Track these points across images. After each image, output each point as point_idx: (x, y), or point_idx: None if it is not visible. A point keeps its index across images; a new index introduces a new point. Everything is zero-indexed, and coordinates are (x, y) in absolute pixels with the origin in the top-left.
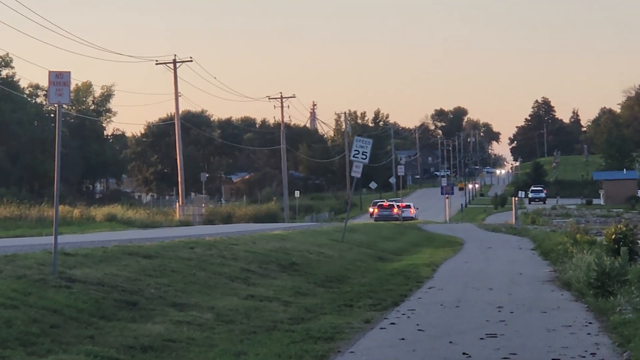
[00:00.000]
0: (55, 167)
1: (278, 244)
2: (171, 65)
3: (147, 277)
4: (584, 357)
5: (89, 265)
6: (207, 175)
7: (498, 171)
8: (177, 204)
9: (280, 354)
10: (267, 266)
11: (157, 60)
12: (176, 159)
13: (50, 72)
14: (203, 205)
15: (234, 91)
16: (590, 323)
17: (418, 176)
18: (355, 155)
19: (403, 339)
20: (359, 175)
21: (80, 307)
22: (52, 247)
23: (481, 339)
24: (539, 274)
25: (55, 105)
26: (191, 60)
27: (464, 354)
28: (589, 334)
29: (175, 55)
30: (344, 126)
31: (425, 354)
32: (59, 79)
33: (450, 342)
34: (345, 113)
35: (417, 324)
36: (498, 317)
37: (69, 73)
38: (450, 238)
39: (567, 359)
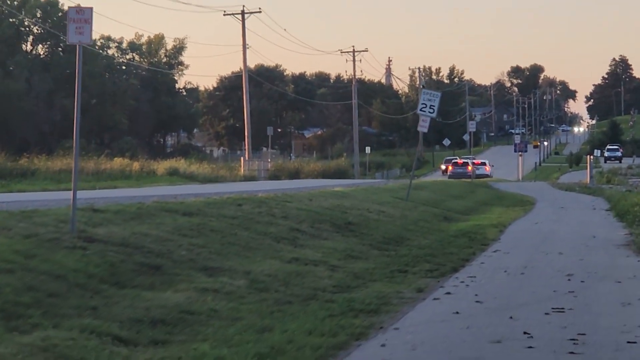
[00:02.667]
0: (75, 113)
1: (336, 201)
2: (239, 17)
3: (181, 237)
4: None
5: (117, 223)
6: (274, 129)
7: (576, 129)
8: (242, 158)
9: (311, 331)
10: (319, 226)
11: (225, 11)
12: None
13: (69, 8)
14: (269, 160)
15: (306, 44)
16: None
17: (493, 134)
18: (423, 109)
19: (457, 312)
20: (425, 130)
21: (90, 272)
22: (89, 201)
23: (546, 314)
24: (613, 237)
25: (76, 44)
26: (260, 11)
27: (525, 333)
28: None
29: (243, 6)
30: (418, 82)
31: (480, 332)
32: (80, 15)
33: (511, 317)
34: (419, 68)
35: (476, 294)
36: (567, 287)
37: (90, 9)
38: (521, 197)
39: None
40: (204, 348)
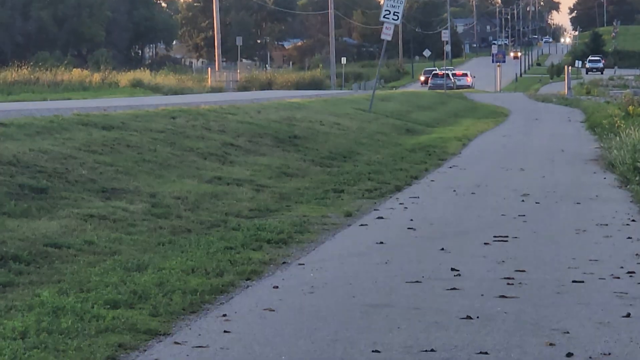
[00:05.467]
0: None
1: (288, 113)
2: None
3: (88, 154)
4: (618, 277)
5: (16, 138)
6: (254, 40)
7: (561, 39)
8: (209, 69)
9: (194, 268)
10: (259, 140)
11: None
12: (227, 24)
13: None
14: (238, 71)
15: None
16: (633, 221)
17: (476, 45)
18: (386, 16)
19: (382, 242)
20: (389, 38)
21: None
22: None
23: (485, 244)
24: (583, 151)
25: None
26: None
27: (452, 269)
28: (629, 238)
29: None
30: None
31: (400, 268)
32: None
33: (442, 248)
34: None
35: (411, 219)
36: (518, 210)
37: None
38: (495, 108)
39: (593, 280)
40: (45, 295)
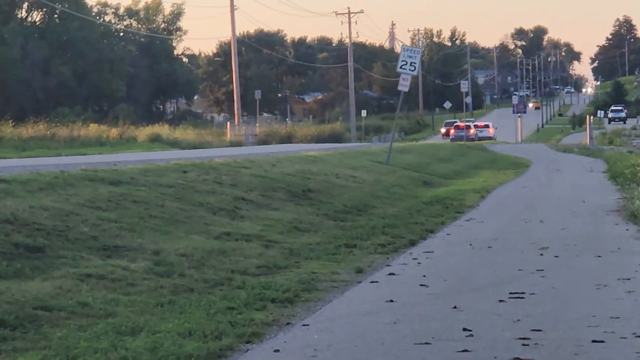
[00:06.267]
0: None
1: (303, 166)
2: None
3: (92, 210)
4: None
5: (17, 194)
6: (274, 94)
7: (583, 90)
8: (228, 123)
9: (191, 331)
10: (272, 194)
11: None
12: (248, 78)
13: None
14: (257, 125)
15: (303, 8)
16: None
17: (497, 96)
18: (403, 67)
19: (392, 300)
20: (406, 89)
21: None
22: (40, 168)
23: (500, 301)
24: (605, 201)
25: None
26: None
27: (464, 329)
28: None
29: None
30: (420, 44)
31: (410, 328)
32: None
33: (455, 307)
34: (418, 30)
35: (424, 275)
36: (536, 264)
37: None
38: (516, 159)
39: (614, 339)
40: None
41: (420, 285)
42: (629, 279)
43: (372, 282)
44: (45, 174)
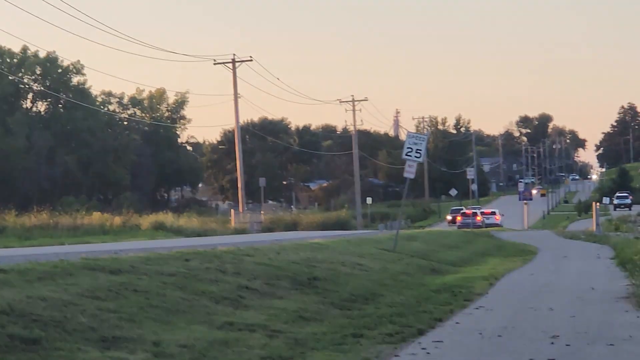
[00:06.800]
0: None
1: (308, 254)
2: (230, 65)
3: (90, 301)
4: None
5: (14, 284)
6: (280, 182)
7: (589, 176)
8: (232, 211)
9: None
10: (276, 282)
11: (215, 60)
12: (253, 165)
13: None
14: (262, 212)
15: (307, 96)
16: None
17: (502, 183)
18: (408, 154)
19: None
20: (412, 176)
21: None
22: (40, 257)
23: None
24: (613, 288)
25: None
26: (251, 60)
27: None
28: None
29: (234, 54)
30: (425, 132)
31: None
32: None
33: None
34: (423, 117)
35: None
36: (547, 354)
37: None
38: (522, 247)
39: None
40: None
41: None
42: None
43: None
44: (44, 263)
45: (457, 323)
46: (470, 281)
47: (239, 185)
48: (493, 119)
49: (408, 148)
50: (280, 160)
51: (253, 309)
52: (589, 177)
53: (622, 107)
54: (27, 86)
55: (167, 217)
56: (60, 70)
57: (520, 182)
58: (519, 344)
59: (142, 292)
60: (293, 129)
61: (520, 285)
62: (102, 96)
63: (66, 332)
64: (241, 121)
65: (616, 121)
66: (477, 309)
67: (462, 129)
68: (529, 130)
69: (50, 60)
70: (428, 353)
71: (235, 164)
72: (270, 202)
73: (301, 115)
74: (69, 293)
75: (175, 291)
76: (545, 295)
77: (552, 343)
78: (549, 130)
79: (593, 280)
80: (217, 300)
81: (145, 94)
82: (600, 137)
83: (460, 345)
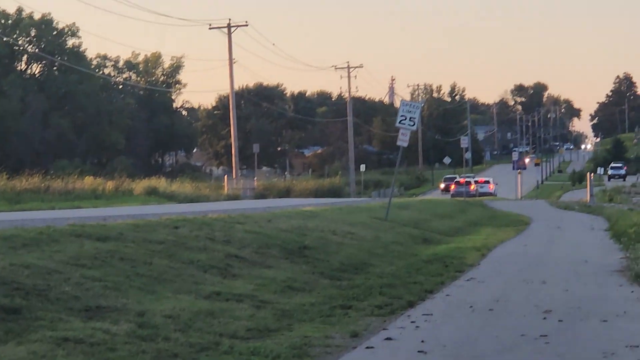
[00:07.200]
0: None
1: (300, 222)
2: (225, 30)
3: (76, 268)
4: None
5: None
6: (274, 148)
7: (583, 146)
8: (226, 177)
9: None
10: (266, 251)
11: (210, 24)
12: (247, 131)
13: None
14: (255, 178)
15: (303, 62)
16: None
17: (497, 152)
18: (402, 121)
19: None
20: (405, 144)
21: None
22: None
23: None
24: (608, 261)
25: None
26: (246, 25)
27: None
28: None
29: (229, 19)
30: (420, 100)
31: None
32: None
33: None
34: (418, 85)
35: (422, 341)
36: (540, 330)
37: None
38: (515, 217)
39: None
40: None
41: (419, 351)
42: (638, 347)
43: (368, 347)
44: (30, 229)
45: (447, 295)
46: (462, 251)
47: (233, 151)
48: (488, 88)
49: (402, 116)
50: (275, 126)
51: (241, 278)
52: (582, 146)
53: (618, 77)
54: (21, 48)
55: (160, 182)
56: (55, 33)
57: (515, 151)
58: (510, 319)
59: (128, 260)
60: (288, 95)
61: (512, 257)
62: (97, 59)
63: (49, 301)
64: (236, 87)
65: (612, 91)
66: (468, 280)
67: (457, 97)
68: (523, 99)
69: (46, 22)
70: (417, 326)
71: (230, 130)
72: (264, 168)
73: (297, 81)
74: (53, 260)
75: (162, 259)
76: (538, 268)
77: (545, 318)
78: (544, 99)
79: (587, 252)
80: (205, 269)
81: (140, 58)
82: (596, 107)
83: (451, 319)
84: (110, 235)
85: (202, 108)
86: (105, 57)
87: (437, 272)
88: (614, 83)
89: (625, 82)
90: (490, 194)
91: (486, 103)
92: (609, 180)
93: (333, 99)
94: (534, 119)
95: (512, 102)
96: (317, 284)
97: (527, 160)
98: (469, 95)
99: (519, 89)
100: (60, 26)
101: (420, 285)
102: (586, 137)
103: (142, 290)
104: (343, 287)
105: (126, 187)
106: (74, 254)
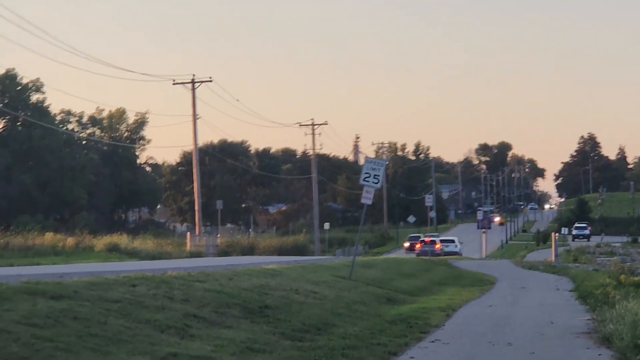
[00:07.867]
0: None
1: (262, 280)
2: (189, 86)
3: (27, 328)
4: None
5: None
6: (239, 205)
7: (547, 206)
8: (188, 234)
9: None
10: (226, 310)
11: (174, 80)
12: (212, 187)
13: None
14: (218, 235)
15: (268, 119)
16: None
17: (461, 211)
18: (366, 179)
19: None
20: (369, 202)
21: None
22: None
23: None
24: (573, 322)
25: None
26: (210, 80)
27: None
28: None
29: (193, 75)
30: (384, 157)
31: None
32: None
33: None
34: (382, 143)
35: None
36: None
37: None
38: (481, 276)
39: None
40: None
41: None
42: None
43: None
44: None
45: (411, 358)
46: (427, 312)
47: (196, 207)
48: (452, 146)
49: (366, 173)
50: (239, 182)
51: (199, 339)
52: (546, 206)
53: (582, 137)
54: None
55: (121, 239)
56: (19, 88)
57: (479, 210)
58: None
59: (82, 320)
60: (253, 151)
61: (478, 318)
62: (62, 115)
63: None
64: (200, 143)
65: (576, 151)
66: (433, 342)
67: (422, 156)
68: (488, 159)
69: (10, 77)
70: None
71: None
72: (228, 225)
73: (261, 137)
74: (2, 320)
75: (118, 319)
76: (503, 329)
77: None
78: (508, 158)
79: (552, 313)
80: (162, 329)
81: (105, 114)
82: (560, 166)
83: None
84: (64, 293)
85: (166, 164)
86: (69, 113)
87: (402, 333)
88: (578, 143)
89: (589, 143)
90: (455, 253)
91: (451, 162)
92: (573, 240)
93: (297, 156)
94: (499, 178)
95: (476, 161)
96: (277, 345)
97: (496, 219)
98: (433, 153)
99: (484, 148)
100: (24, 81)
101: (384, 347)
102: (550, 196)
103: (95, 352)
104: (305, 349)
105: (87, 244)
106: (26, 313)
